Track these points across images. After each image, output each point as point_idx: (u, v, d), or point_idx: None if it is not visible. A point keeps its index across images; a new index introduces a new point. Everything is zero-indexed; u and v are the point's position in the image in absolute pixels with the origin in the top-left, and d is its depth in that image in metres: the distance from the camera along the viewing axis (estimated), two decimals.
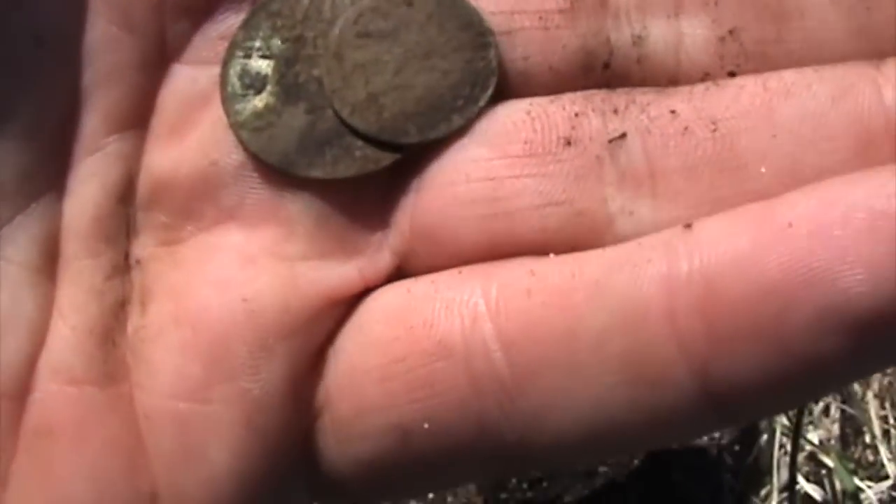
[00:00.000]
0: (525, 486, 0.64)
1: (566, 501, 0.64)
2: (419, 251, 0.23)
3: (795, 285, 0.20)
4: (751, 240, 0.20)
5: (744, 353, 0.20)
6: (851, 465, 0.72)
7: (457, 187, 0.23)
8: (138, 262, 0.24)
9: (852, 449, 0.74)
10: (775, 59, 0.22)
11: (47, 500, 0.22)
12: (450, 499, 0.64)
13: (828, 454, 0.72)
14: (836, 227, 0.19)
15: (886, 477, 0.73)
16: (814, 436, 0.74)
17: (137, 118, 0.24)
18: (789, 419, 0.71)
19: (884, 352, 0.20)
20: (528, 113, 0.23)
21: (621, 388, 0.21)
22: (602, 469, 0.64)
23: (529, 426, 0.22)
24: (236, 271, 0.23)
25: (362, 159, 0.23)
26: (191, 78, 0.24)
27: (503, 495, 0.64)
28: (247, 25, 0.24)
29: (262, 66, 0.24)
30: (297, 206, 0.23)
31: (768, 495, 0.72)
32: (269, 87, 0.24)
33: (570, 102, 0.23)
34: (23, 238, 0.22)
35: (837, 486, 0.72)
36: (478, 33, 0.23)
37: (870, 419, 0.74)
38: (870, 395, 0.75)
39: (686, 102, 0.22)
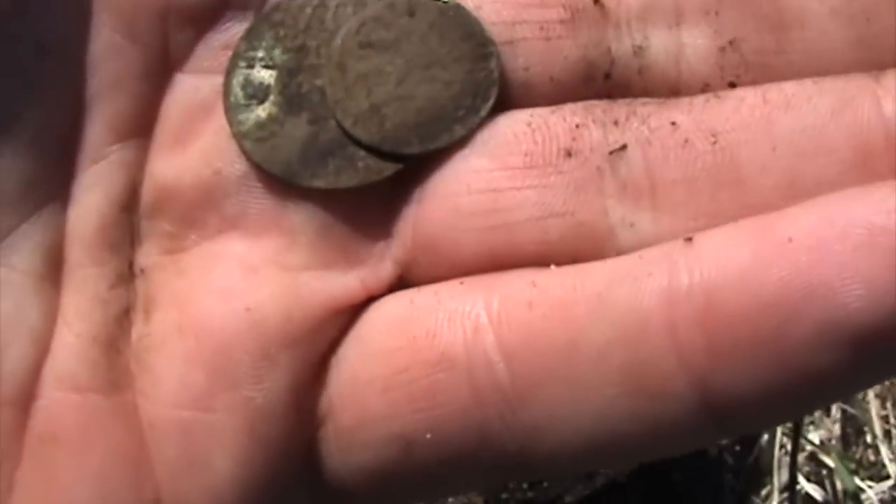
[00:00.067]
0: (525, 486, 0.64)
1: (567, 502, 0.64)
2: (421, 261, 0.24)
3: (795, 300, 0.20)
4: (751, 254, 0.20)
5: (743, 367, 0.20)
6: (852, 465, 0.72)
7: (458, 198, 0.23)
8: (142, 270, 0.24)
9: (853, 449, 0.74)
10: (776, 70, 0.23)
11: None
12: (450, 499, 0.64)
13: (829, 454, 0.72)
14: (835, 242, 0.20)
15: (887, 477, 0.73)
16: (815, 436, 0.74)
17: (141, 127, 0.24)
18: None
19: (882, 365, 0.20)
20: (529, 124, 0.23)
21: (622, 400, 0.21)
22: (603, 469, 0.64)
23: (531, 437, 0.22)
24: (239, 280, 0.23)
25: (365, 170, 0.24)
26: (194, 87, 0.24)
27: (504, 495, 0.64)
28: (249, 35, 0.24)
29: (265, 76, 0.24)
30: (300, 216, 0.24)
31: (769, 495, 0.72)
32: (271, 97, 0.24)
33: (570, 113, 0.23)
34: (27, 246, 0.23)
35: (838, 486, 0.72)
36: (479, 44, 0.24)
37: (871, 419, 0.74)
38: (871, 394, 0.75)
39: (686, 114, 0.22)
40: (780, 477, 0.72)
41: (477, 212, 0.23)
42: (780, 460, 0.73)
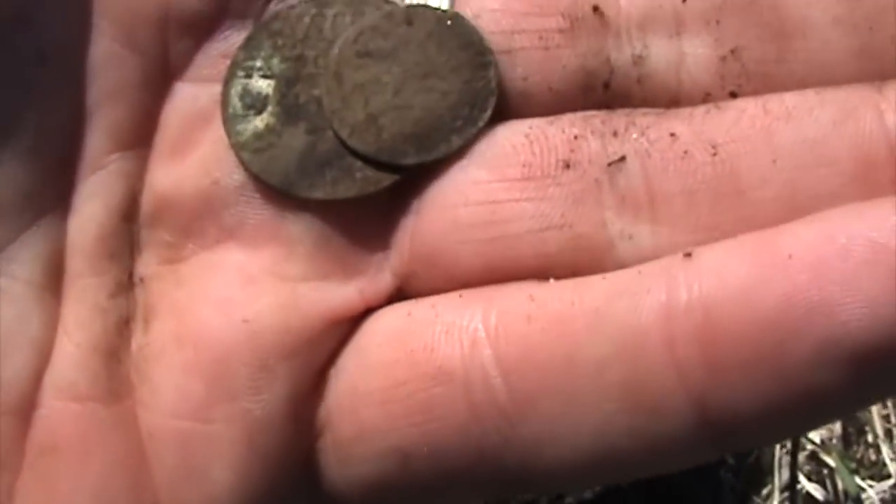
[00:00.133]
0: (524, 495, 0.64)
1: (567, 502, 0.64)
2: (419, 273, 0.23)
3: (795, 317, 0.20)
4: (751, 270, 0.20)
5: (742, 384, 0.20)
6: (853, 465, 0.72)
7: (456, 210, 0.23)
8: (142, 279, 0.24)
9: (854, 448, 0.74)
10: (777, 79, 0.22)
11: None
12: None
13: (829, 453, 0.72)
14: (836, 259, 0.19)
15: (888, 476, 0.72)
16: (815, 435, 0.74)
17: (140, 136, 0.24)
18: None
19: (882, 383, 0.20)
20: (528, 135, 0.23)
21: (620, 416, 0.21)
22: (601, 485, 0.64)
23: (529, 451, 0.22)
24: (237, 291, 0.23)
25: (362, 180, 0.23)
26: (192, 96, 0.24)
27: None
28: (248, 45, 0.24)
29: (263, 85, 0.24)
30: (298, 227, 0.24)
31: (769, 495, 0.72)
32: (269, 108, 0.24)
33: (569, 124, 0.23)
34: (27, 256, 0.23)
35: (839, 485, 0.72)
36: (477, 53, 0.23)
37: (872, 418, 0.74)
38: None
39: (686, 125, 0.22)
40: (780, 476, 0.72)
41: (475, 223, 0.23)
42: (780, 459, 0.73)
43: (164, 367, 0.23)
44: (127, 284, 0.24)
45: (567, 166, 0.23)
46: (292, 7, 0.24)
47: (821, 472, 0.73)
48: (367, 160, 0.23)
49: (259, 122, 0.24)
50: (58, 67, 0.23)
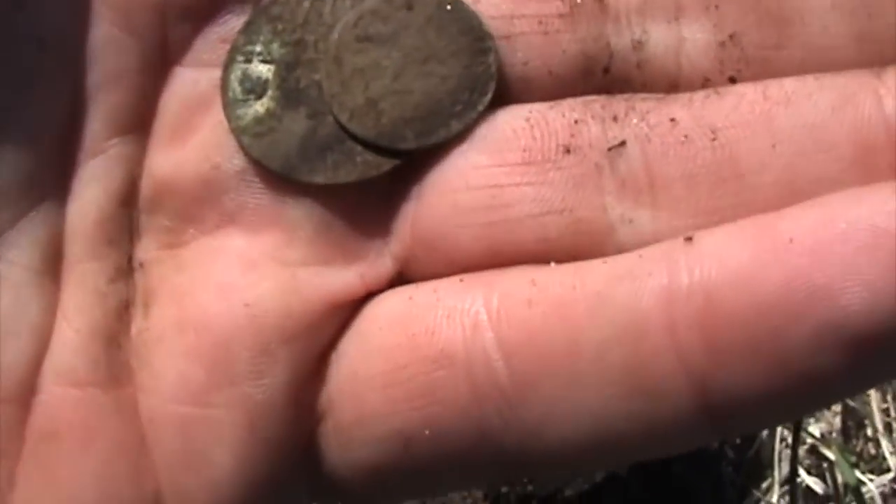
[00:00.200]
0: (525, 479, 0.64)
1: (567, 495, 0.64)
2: (420, 257, 0.24)
3: (795, 301, 0.20)
4: (752, 255, 0.20)
5: (742, 367, 0.20)
6: (853, 459, 0.72)
7: (457, 194, 0.23)
8: (141, 264, 0.24)
9: (854, 442, 0.74)
10: (776, 65, 0.22)
11: (53, 502, 0.22)
12: (450, 494, 0.64)
13: (829, 447, 0.72)
14: (836, 244, 0.19)
15: (888, 470, 0.73)
16: (815, 429, 0.74)
17: (139, 121, 0.24)
18: None
19: (881, 367, 0.20)
20: (528, 120, 0.23)
21: (621, 399, 0.21)
22: (601, 468, 0.64)
23: (530, 434, 0.22)
24: (238, 276, 0.23)
25: (363, 164, 0.23)
26: (192, 80, 0.24)
27: (504, 489, 0.64)
28: (247, 29, 0.24)
29: (263, 70, 0.24)
30: (299, 212, 0.24)
31: (769, 488, 0.72)
32: (269, 92, 0.24)
33: (569, 109, 0.23)
34: (26, 241, 0.23)
35: (839, 479, 0.72)
36: (477, 38, 0.23)
37: (871, 412, 0.74)
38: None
39: (686, 110, 0.22)
40: (780, 470, 0.72)
41: (476, 208, 0.23)
42: (780, 453, 0.73)
43: (164, 351, 0.23)
44: (126, 269, 0.24)
45: (567, 151, 0.23)
46: None
47: (821, 465, 0.73)
48: (367, 145, 0.23)
49: (259, 106, 0.24)
50: (56, 52, 0.23)
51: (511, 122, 0.23)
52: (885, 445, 0.74)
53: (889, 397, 0.75)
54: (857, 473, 0.71)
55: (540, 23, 0.23)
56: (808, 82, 0.22)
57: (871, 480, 0.72)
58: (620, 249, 0.22)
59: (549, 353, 0.21)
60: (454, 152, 0.23)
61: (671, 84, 0.23)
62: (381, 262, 0.24)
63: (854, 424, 0.75)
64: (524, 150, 0.23)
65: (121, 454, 0.23)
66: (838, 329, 0.19)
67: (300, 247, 0.23)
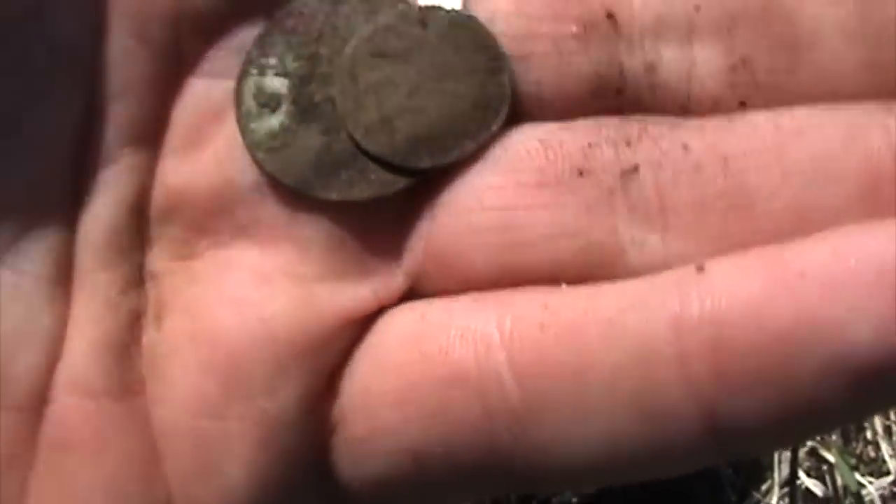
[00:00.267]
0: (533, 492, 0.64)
1: (567, 497, 0.64)
2: (432, 274, 0.24)
3: (803, 335, 0.20)
4: (762, 287, 0.20)
5: (749, 397, 0.20)
6: (853, 461, 0.72)
7: (471, 215, 0.23)
8: (153, 275, 0.24)
9: (854, 445, 0.75)
10: (786, 90, 0.23)
11: None
12: None
13: (829, 450, 0.72)
14: (847, 278, 0.20)
15: (888, 473, 0.73)
16: None
17: (152, 131, 0.24)
18: None
19: (882, 398, 0.21)
20: (542, 141, 0.23)
21: (630, 423, 0.21)
22: (608, 485, 0.65)
23: (539, 453, 0.22)
24: (252, 290, 0.23)
25: (377, 182, 0.23)
26: (205, 91, 0.24)
27: None
28: (261, 42, 0.24)
29: (277, 84, 0.24)
30: (313, 227, 0.24)
31: (769, 490, 0.73)
32: (284, 107, 0.24)
33: (583, 131, 0.23)
34: (37, 250, 0.23)
35: (838, 481, 0.72)
36: (492, 57, 0.23)
37: (871, 415, 0.74)
38: None
39: (698, 138, 0.23)
40: (780, 472, 0.73)
41: (489, 229, 0.23)
42: (780, 456, 0.73)
43: (178, 365, 0.23)
44: (137, 280, 0.24)
45: (581, 174, 0.23)
46: (306, 4, 0.24)
47: (820, 468, 0.74)
48: (381, 162, 0.23)
49: (273, 120, 0.24)
50: (71, 62, 0.23)
51: (525, 142, 0.23)
52: (885, 448, 0.74)
53: None
54: (857, 476, 0.71)
55: (554, 43, 0.23)
56: (820, 114, 0.22)
57: (870, 483, 0.72)
58: (630, 272, 0.22)
59: (561, 376, 0.22)
60: (469, 172, 0.23)
61: (682, 107, 0.23)
62: (393, 278, 0.24)
63: (854, 427, 0.75)
64: (538, 172, 0.23)
65: (132, 465, 0.23)
66: (844, 363, 0.20)
67: (314, 262, 0.24)
